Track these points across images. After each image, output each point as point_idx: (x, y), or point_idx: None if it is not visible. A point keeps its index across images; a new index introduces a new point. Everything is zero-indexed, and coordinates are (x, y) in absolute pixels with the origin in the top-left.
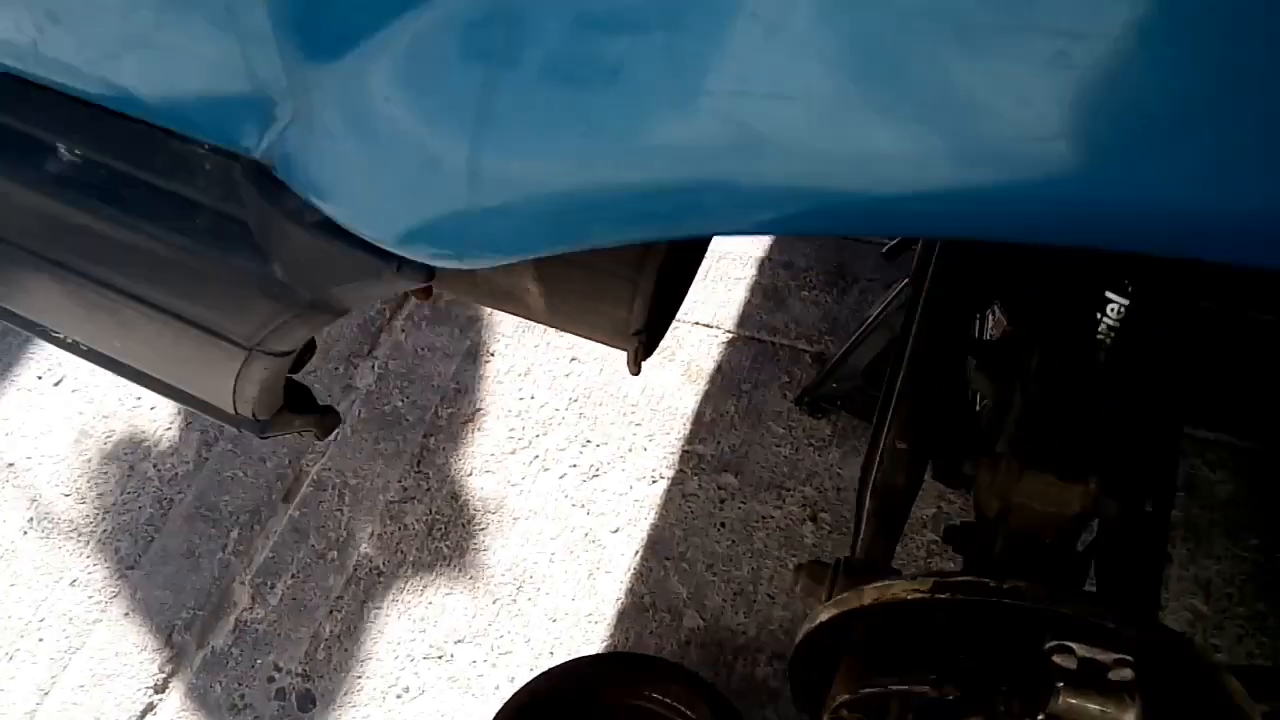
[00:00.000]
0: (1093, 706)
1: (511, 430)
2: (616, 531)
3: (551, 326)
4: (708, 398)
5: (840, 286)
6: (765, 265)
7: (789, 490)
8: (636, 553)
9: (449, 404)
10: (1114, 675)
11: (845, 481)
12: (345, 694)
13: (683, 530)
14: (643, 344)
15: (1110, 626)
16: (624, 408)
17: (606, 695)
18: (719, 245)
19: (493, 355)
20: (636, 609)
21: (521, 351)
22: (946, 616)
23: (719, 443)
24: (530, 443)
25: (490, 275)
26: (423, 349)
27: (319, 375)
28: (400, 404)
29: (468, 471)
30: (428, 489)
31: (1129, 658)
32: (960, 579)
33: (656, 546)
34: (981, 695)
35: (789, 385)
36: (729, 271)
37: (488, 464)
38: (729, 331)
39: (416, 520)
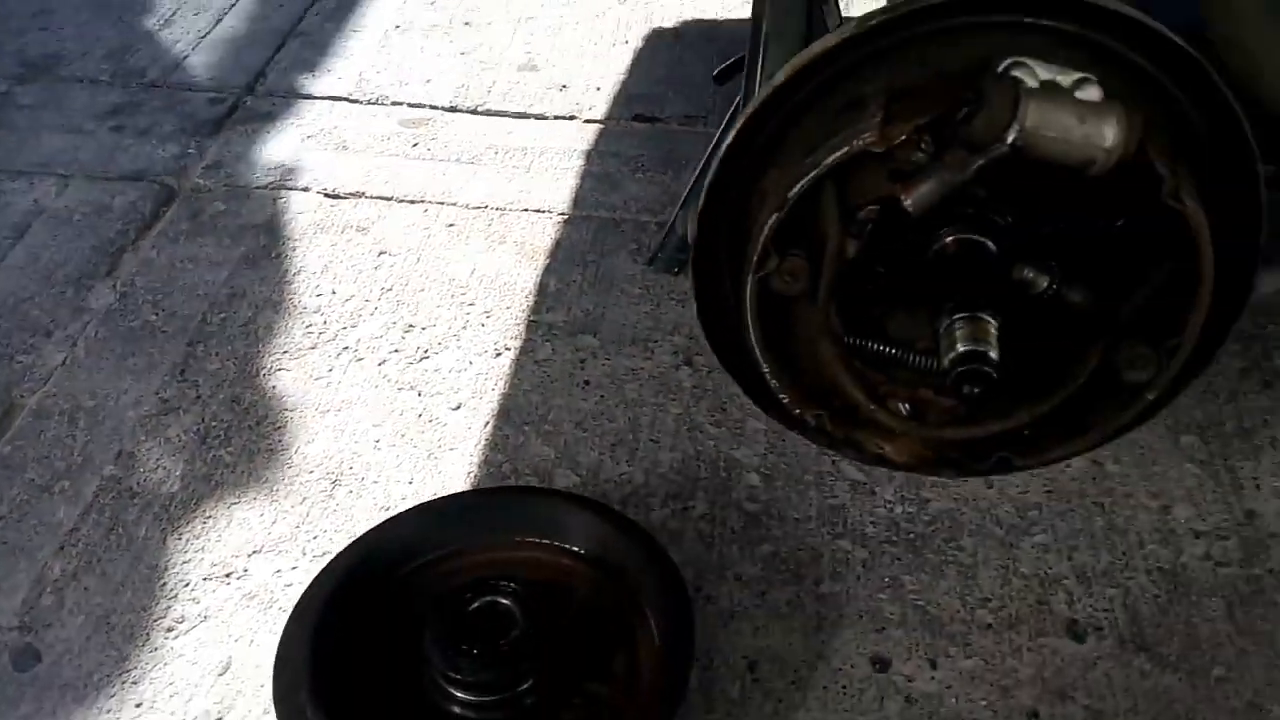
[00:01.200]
0: (1067, 118)
1: (310, 326)
2: (458, 408)
3: None
4: (550, 271)
5: (674, 168)
6: (593, 156)
7: (656, 342)
8: (486, 424)
9: (220, 310)
10: (1081, 95)
11: None
12: (87, 639)
13: (540, 395)
14: None
15: (1070, 30)
16: (451, 290)
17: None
18: (537, 140)
19: (276, 257)
20: (494, 479)
21: (315, 250)
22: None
23: (569, 309)
24: (336, 335)
25: None
26: (182, 261)
27: (38, 300)
28: (154, 317)
29: (252, 373)
30: (197, 397)
31: (1092, 76)
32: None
33: (510, 415)
34: (942, 122)
35: (638, 252)
36: (553, 163)
37: (280, 362)
38: (563, 214)
39: (184, 431)
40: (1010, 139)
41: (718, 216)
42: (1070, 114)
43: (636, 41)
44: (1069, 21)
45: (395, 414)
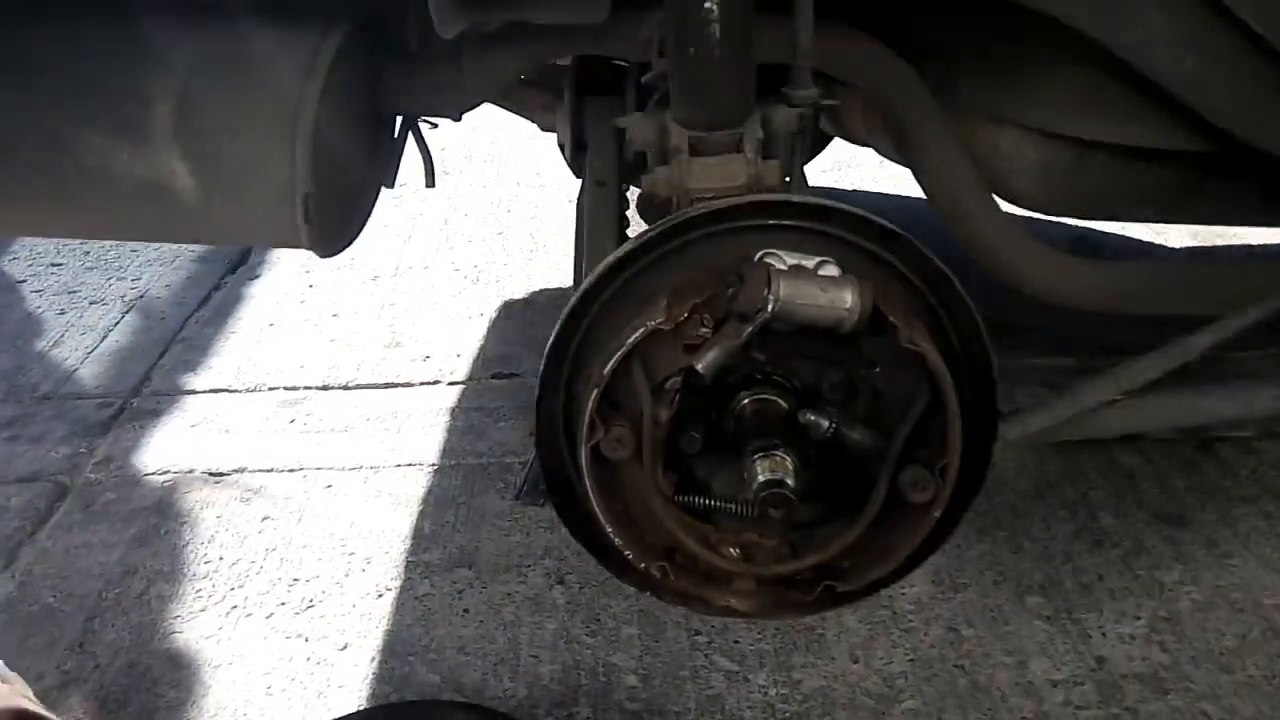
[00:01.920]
0: (812, 289)
1: (199, 590)
2: (345, 648)
3: (207, 230)
4: (424, 516)
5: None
6: (457, 412)
7: (529, 566)
8: (373, 659)
9: (115, 586)
10: (823, 273)
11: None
12: None
13: (423, 627)
14: (319, 211)
15: (808, 227)
16: (332, 543)
17: None
18: (405, 405)
19: (166, 534)
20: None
21: (202, 523)
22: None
23: (445, 548)
24: (224, 596)
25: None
26: (78, 546)
27: None
28: (53, 599)
29: (148, 639)
30: (96, 666)
31: (829, 258)
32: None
33: (395, 648)
34: (715, 302)
35: (505, 489)
36: (421, 423)
37: (173, 626)
38: (433, 464)
39: (85, 698)
40: (770, 306)
41: (552, 407)
42: (814, 285)
43: (491, 313)
44: (805, 220)
45: (285, 660)
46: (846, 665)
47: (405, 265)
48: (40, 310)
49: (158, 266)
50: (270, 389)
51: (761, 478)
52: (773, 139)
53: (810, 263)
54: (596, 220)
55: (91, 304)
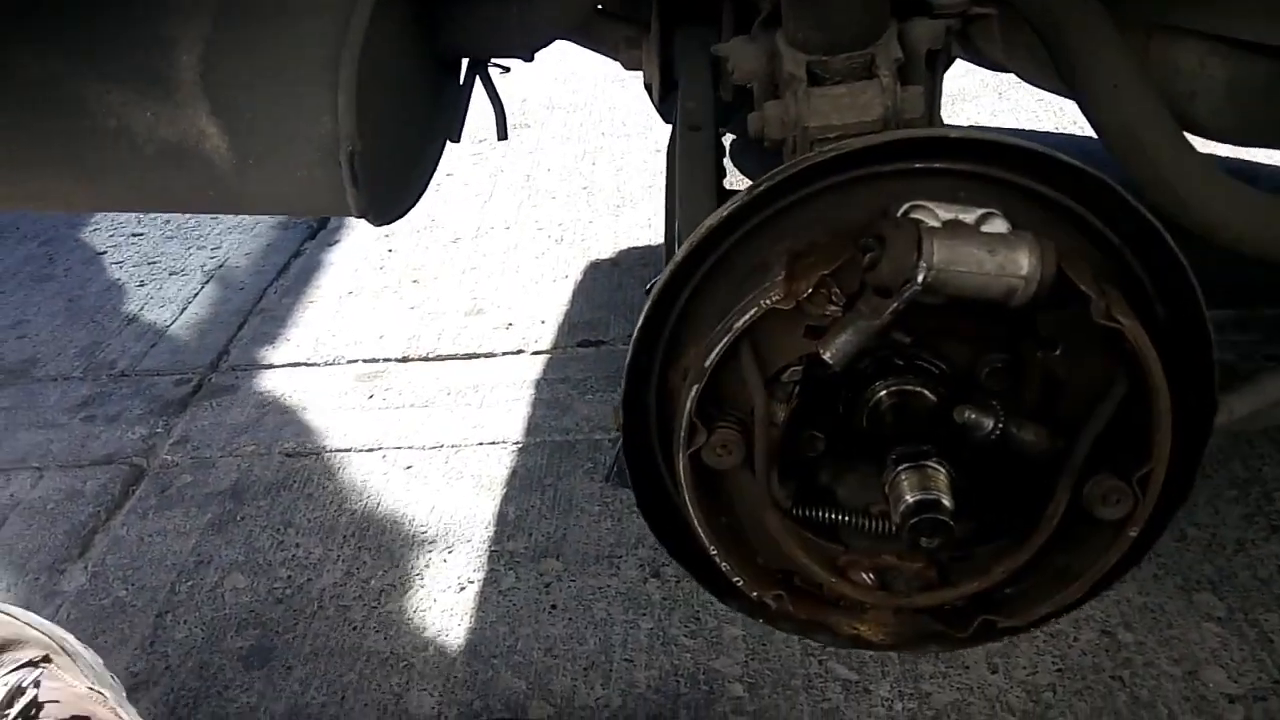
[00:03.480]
0: (976, 251)
1: (274, 585)
2: (424, 647)
3: (244, 198)
4: (508, 500)
5: None
6: (542, 384)
7: (620, 558)
8: (454, 662)
9: (187, 578)
10: (988, 229)
11: None
12: None
13: (507, 625)
14: (368, 171)
15: (965, 169)
16: (411, 531)
17: None
18: (488, 377)
19: (241, 520)
20: (465, 718)
21: (278, 508)
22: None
23: (530, 535)
24: (300, 588)
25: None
26: (151, 535)
27: (14, 590)
28: (124, 593)
29: (218, 637)
30: (166, 668)
31: (995, 210)
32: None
33: (478, 649)
34: (848, 273)
35: (594, 470)
36: (504, 396)
37: (245, 622)
38: (517, 443)
39: (154, 704)
40: (920, 277)
41: (643, 400)
42: (978, 246)
43: (576, 275)
44: (962, 161)
45: (361, 659)
46: (984, 676)
47: (487, 226)
48: (120, 282)
49: (238, 234)
50: (349, 362)
51: (909, 498)
52: (912, 60)
53: (970, 217)
54: (689, 172)
55: (171, 275)
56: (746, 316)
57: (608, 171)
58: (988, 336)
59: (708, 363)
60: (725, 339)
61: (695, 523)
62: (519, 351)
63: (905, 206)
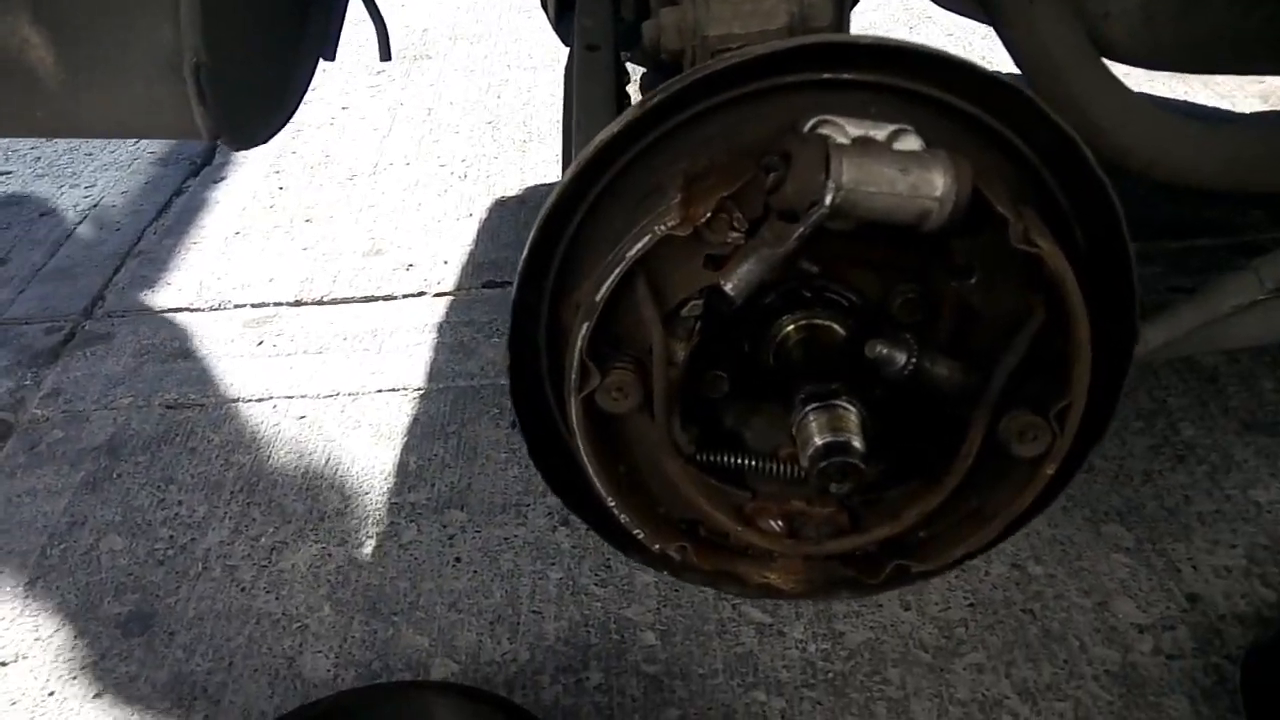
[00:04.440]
0: (888, 170)
1: (155, 546)
2: (318, 608)
3: (77, 117)
4: (409, 449)
5: None
6: (445, 328)
7: (529, 506)
8: (351, 621)
9: (60, 541)
10: (901, 146)
11: None
12: None
13: (409, 580)
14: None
15: (874, 81)
16: (304, 484)
17: None
18: (387, 321)
19: (117, 478)
20: (363, 679)
21: (159, 464)
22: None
23: (433, 486)
24: (184, 548)
25: None
26: (19, 495)
27: None
28: None
29: (94, 603)
30: (37, 639)
31: (908, 126)
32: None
33: (377, 607)
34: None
35: (500, 416)
36: (405, 341)
37: (123, 585)
38: (419, 389)
39: (24, 679)
40: (829, 198)
41: (532, 339)
42: (890, 166)
43: (481, 213)
44: (873, 72)
45: (250, 622)
46: (897, 614)
47: (385, 162)
48: None
49: (114, 171)
50: (236, 306)
51: (818, 440)
52: None
53: (882, 133)
54: (587, 94)
55: (41, 215)
56: (639, 245)
57: (514, 105)
58: (900, 265)
59: (598, 297)
60: (617, 270)
61: (591, 472)
62: (420, 294)
63: (812, 122)
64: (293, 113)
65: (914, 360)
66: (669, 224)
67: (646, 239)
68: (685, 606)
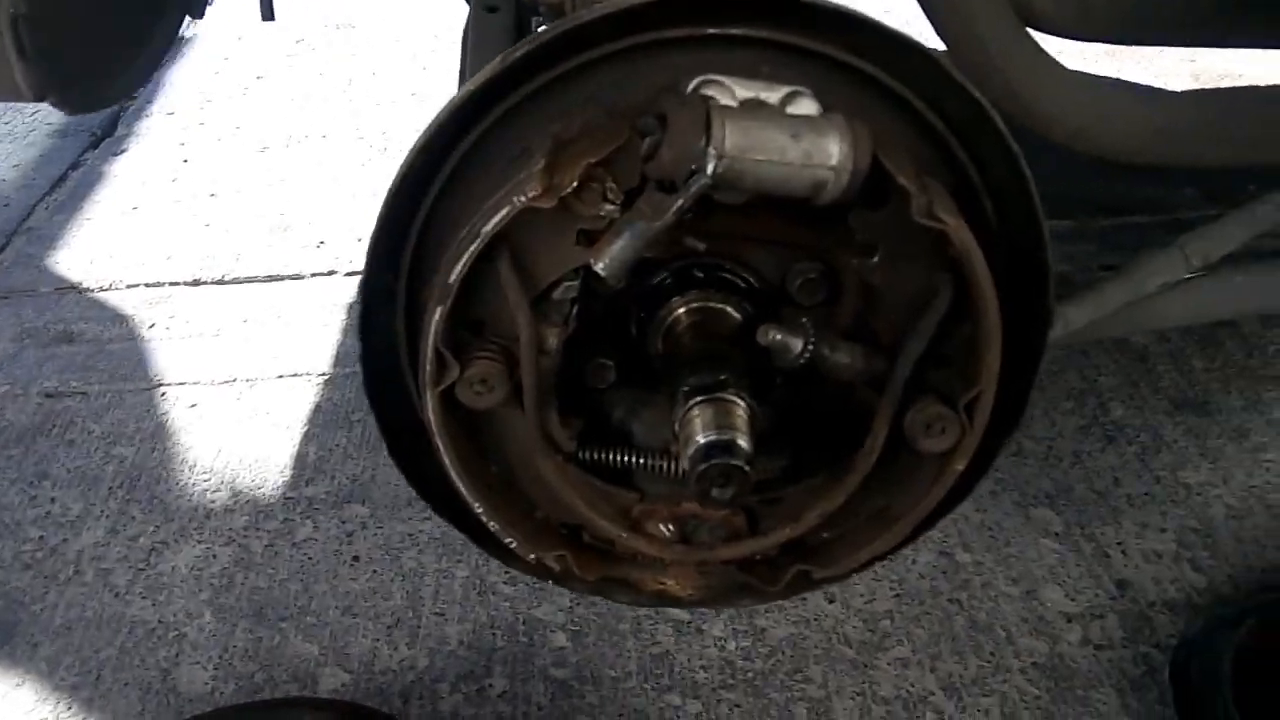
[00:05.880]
0: (778, 136)
1: (23, 548)
2: (198, 615)
3: None
4: (309, 439)
5: None
6: (354, 309)
7: None
8: (234, 629)
9: None
10: (794, 110)
11: None
12: None
13: (301, 582)
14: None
15: (767, 38)
16: (191, 479)
17: None
18: (292, 301)
19: None
20: (244, 694)
21: (32, 458)
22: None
23: (333, 478)
24: (54, 550)
25: None
26: None
27: None
28: None
29: None
30: None
31: (804, 88)
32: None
33: (263, 612)
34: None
35: None
36: (310, 322)
37: None
38: (323, 374)
39: None
40: (710, 167)
41: (389, 325)
42: (780, 131)
43: None
44: (766, 27)
45: (123, 631)
46: (821, 607)
47: (300, 134)
48: None
49: (7, 144)
50: (129, 287)
51: (700, 438)
52: None
53: (774, 96)
54: (481, 60)
55: None
56: (496, 218)
57: (440, 75)
58: (799, 243)
59: (451, 278)
60: (471, 248)
61: (453, 475)
62: (330, 273)
63: (695, 82)
64: (147, 77)
65: (811, 347)
66: (529, 194)
67: (504, 211)
68: (599, 604)
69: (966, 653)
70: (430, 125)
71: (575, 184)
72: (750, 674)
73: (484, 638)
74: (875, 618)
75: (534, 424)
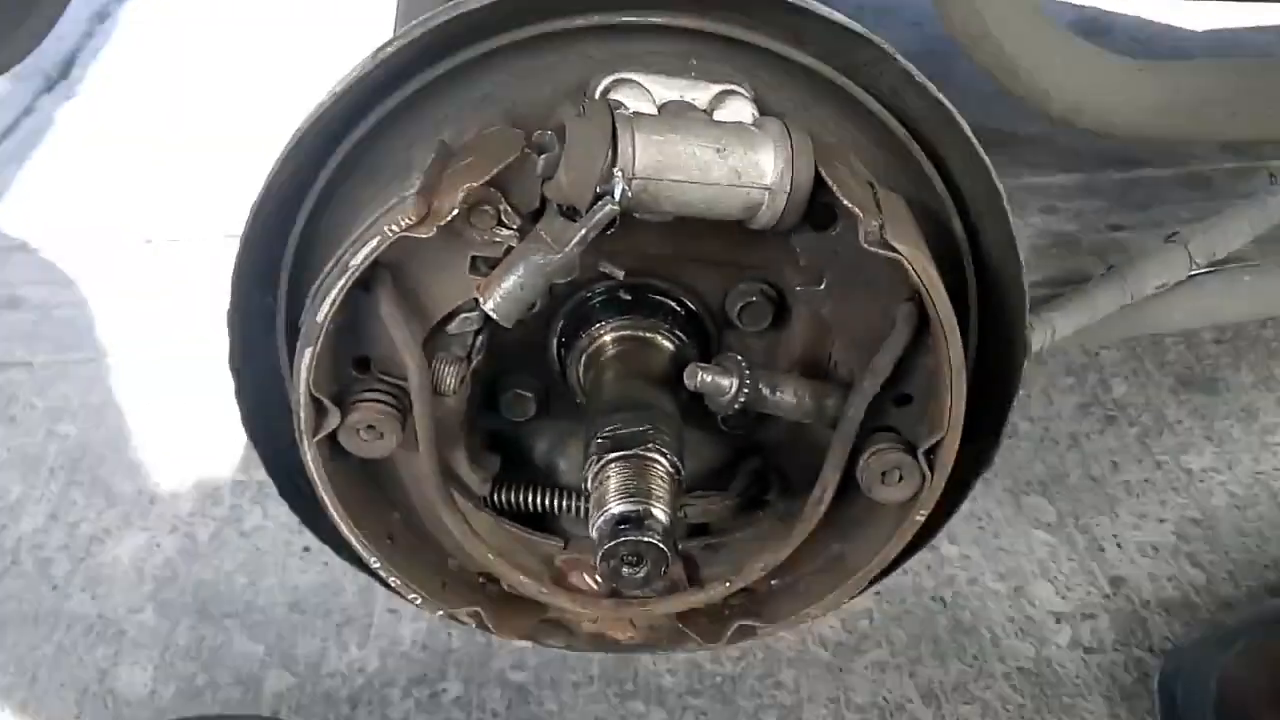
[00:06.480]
0: (700, 151)
1: None
2: (139, 610)
3: None
4: None
5: None
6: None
7: None
8: (176, 626)
9: None
10: (722, 115)
11: None
12: None
13: (248, 576)
14: None
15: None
16: (137, 459)
17: None
18: None
19: None
20: (184, 697)
21: None
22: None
23: None
24: None
25: None
26: None
27: None
28: None
29: None
30: None
31: (739, 87)
32: None
33: (207, 608)
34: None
35: None
36: None
37: None
38: None
39: None
40: (618, 192)
41: (265, 350)
42: (704, 145)
43: None
44: (691, 13)
45: (60, 627)
46: None
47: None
48: None
49: None
50: (84, 243)
51: (611, 508)
52: None
53: (701, 97)
54: (411, 17)
55: None
56: (365, 250)
57: None
58: (739, 262)
59: (319, 316)
60: (340, 282)
61: (343, 529)
62: None
63: (605, 83)
64: (44, 33)
65: (746, 389)
66: (403, 222)
67: (374, 242)
68: None
69: (948, 656)
70: (294, 134)
71: (455, 211)
72: (719, 679)
73: (439, 638)
74: (853, 617)
75: (431, 474)
